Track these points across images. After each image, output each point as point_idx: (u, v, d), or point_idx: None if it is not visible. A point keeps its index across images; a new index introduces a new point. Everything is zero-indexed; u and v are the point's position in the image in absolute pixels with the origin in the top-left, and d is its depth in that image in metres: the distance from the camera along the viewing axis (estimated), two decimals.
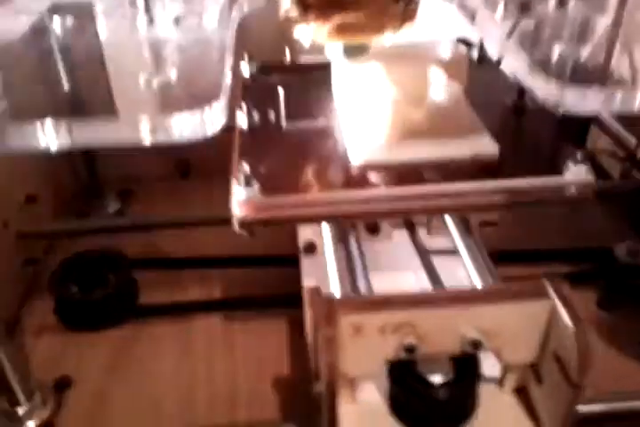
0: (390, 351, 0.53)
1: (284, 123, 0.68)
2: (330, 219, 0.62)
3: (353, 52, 0.64)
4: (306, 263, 0.71)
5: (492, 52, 0.57)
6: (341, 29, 0.59)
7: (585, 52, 0.49)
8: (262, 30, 0.83)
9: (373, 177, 0.59)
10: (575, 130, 1.08)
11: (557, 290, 0.54)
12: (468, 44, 0.80)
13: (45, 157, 0.88)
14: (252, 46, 0.72)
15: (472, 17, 0.67)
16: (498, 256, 0.84)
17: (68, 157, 1.00)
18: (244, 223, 0.55)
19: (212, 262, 0.86)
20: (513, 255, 0.87)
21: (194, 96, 0.50)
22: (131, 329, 0.77)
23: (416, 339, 0.53)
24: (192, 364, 0.72)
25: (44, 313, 0.79)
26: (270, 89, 0.69)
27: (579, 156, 0.57)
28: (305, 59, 0.75)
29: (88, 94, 0.53)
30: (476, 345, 0.53)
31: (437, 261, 0.70)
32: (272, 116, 0.68)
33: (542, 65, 0.50)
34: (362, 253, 0.69)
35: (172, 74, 0.51)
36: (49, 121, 0.42)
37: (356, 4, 0.57)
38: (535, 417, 0.58)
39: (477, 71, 0.75)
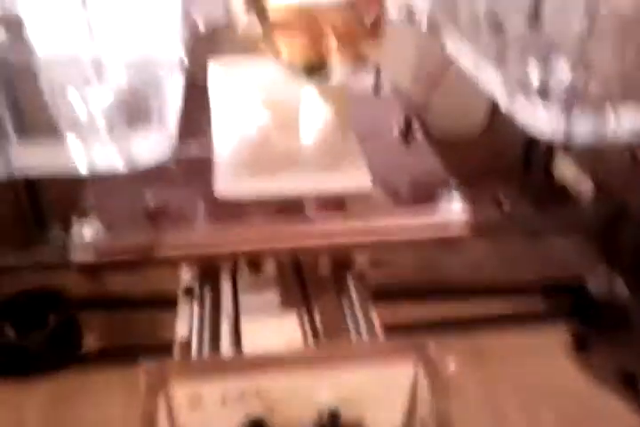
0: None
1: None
2: (185, 260, 0.54)
3: (313, 72, 0.59)
4: (181, 311, 0.62)
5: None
6: (305, 50, 0.54)
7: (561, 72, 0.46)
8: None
9: (240, 212, 0.52)
10: (538, 157, 1.06)
11: (421, 351, 0.48)
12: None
13: None
14: None
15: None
16: (459, 290, 0.81)
17: (9, 182, 0.93)
18: (84, 267, 0.49)
19: (162, 303, 0.80)
20: (478, 289, 0.84)
21: (143, 117, 0.44)
22: (72, 377, 0.70)
23: (265, 410, 0.46)
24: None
25: None
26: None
27: (453, 192, 0.53)
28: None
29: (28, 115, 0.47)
30: (335, 416, 0.47)
31: (316, 304, 0.62)
32: None
33: (519, 85, 0.46)
34: (236, 297, 0.61)
35: (121, 94, 0.46)
36: None
37: (322, 24, 0.53)
38: None
39: (371, 99, 0.71)
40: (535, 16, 0.53)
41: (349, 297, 0.60)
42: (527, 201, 0.93)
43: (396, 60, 0.76)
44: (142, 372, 0.46)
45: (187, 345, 0.51)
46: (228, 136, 0.59)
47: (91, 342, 0.75)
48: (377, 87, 0.73)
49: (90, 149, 0.40)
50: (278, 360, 0.48)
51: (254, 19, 0.54)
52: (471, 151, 0.77)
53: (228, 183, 0.54)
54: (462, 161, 0.63)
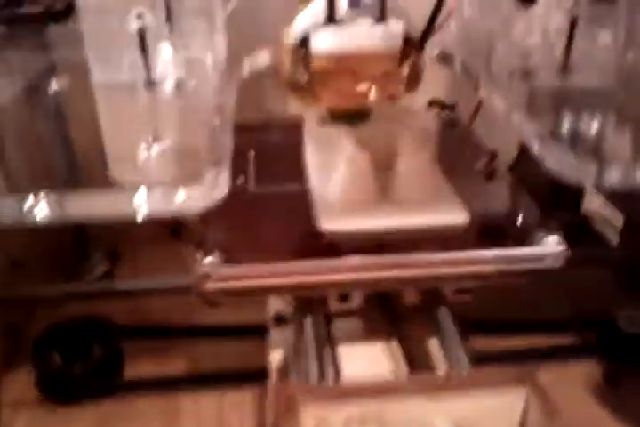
0: None
1: (252, 186, 0.65)
2: (296, 290, 0.58)
3: (354, 117, 0.62)
4: (274, 337, 0.66)
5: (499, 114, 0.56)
6: (346, 95, 0.57)
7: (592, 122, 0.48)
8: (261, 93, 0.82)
9: (343, 245, 0.56)
10: (567, 193, 1.07)
11: (532, 378, 0.50)
12: (441, 105, 0.80)
13: None
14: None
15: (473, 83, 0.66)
16: (483, 327, 0.82)
17: None
18: (204, 294, 0.53)
19: (202, 332, 0.82)
20: (503, 326, 0.84)
21: (194, 165, 0.47)
22: (114, 404, 0.72)
23: None
24: None
25: (24, 385, 0.74)
26: (240, 151, 0.67)
27: (549, 225, 0.56)
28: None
29: (83, 162, 0.51)
30: None
31: (410, 334, 0.65)
32: (241, 179, 0.66)
33: (552, 134, 0.48)
34: (331, 326, 0.64)
35: (171, 141, 0.49)
36: (41, 195, 0.40)
37: (362, 69, 0.56)
38: None
39: (449, 134, 0.74)
40: (565, 66, 0.56)
41: (439, 326, 0.62)
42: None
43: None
44: (272, 392, 0.48)
45: (284, 371, 0.54)
46: (323, 172, 0.63)
47: (133, 370, 0.77)
48: (453, 121, 0.77)
49: (144, 195, 0.42)
50: (396, 387, 0.51)
51: (299, 68, 0.57)
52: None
53: (330, 218, 0.58)
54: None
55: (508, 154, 1.08)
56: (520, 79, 0.58)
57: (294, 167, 0.67)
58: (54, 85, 0.61)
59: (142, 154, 0.47)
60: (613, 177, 0.43)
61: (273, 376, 0.60)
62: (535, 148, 0.48)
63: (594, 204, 1.08)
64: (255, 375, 0.69)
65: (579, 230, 1.02)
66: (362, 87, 0.57)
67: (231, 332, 0.82)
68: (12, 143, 0.55)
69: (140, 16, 0.54)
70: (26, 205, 0.41)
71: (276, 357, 0.63)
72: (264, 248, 0.56)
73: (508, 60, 0.58)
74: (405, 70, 0.57)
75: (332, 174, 0.61)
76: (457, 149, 0.72)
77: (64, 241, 0.98)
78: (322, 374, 0.56)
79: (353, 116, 0.62)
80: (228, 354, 0.79)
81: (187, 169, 0.46)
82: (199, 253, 0.53)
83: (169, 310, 0.85)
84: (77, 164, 0.53)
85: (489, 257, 0.55)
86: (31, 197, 0.41)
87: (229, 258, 0.53)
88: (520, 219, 0.61)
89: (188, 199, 0.43)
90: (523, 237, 0.56)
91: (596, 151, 0.46)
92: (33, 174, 0.51)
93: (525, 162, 1.11)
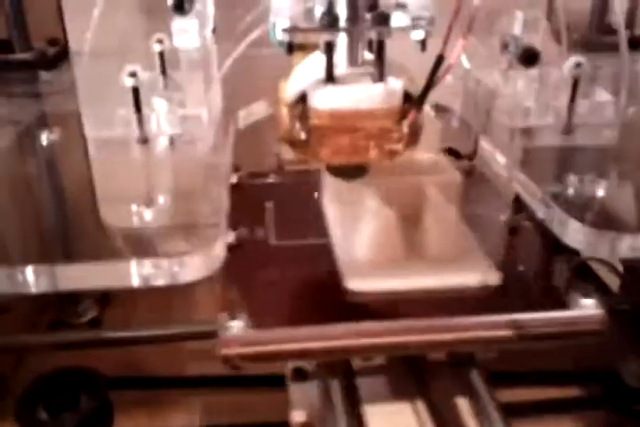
0: None
1: (271, 241, 0.64)
2: (321, 356, 0.56)
3: (352, 172, 0.61)
4: (295, 393, 0.63)
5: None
6: (343, 152, 0.56)
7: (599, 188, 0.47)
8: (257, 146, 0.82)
9: (369, 307, 0.55)
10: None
11: None
12: (456, 154, 0.76)
13: None
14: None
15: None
16: (493, 378, 0.81)
17: None
18: (228, 359, 0.51)
19: (196, 383, 0.80)
20: (509, 377, 0.83)
21: (192, 228, 0.46)
22: None
23: None
24: None
25: None
26: (256, 203, 0.66)
27: (588, 288, 0.54)
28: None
29: (74, 226, 0.49)
30: None
31: (437, 395, 0.63)
32: (259, 234, 0.64)
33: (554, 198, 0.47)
34: (355, 383, 0.62)
35: (168, 202, 0.48)
36: (30, 267, 0.39)
37: (361, 126, 0.55)
38: None
39: (466, 184, 0.69)
40: (568, 125, 0.56)
41: (468, 384, 0.60)
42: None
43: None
44: None
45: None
46: (346, 227, 0.62)
47: (122, 421, 0.75)
48: (470, 170, 0.73)
49: (139, 264, 0.41)
50: None
51: (296, 124, 0.56)
52: None
53: (356, 277, 0.56)
54: None
55: None
56: (521, 137, 0.57)
57: (314, 219, 0.66)
58: (45, 136, 0.60)
59: (134, 218, 0.46)
60: (625, 247, 0.42)
61: None
62: (540, 213, 0.47)
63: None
64: None
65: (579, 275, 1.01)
66: (361, 144, 0.56)
67: (228, 383, 0.80)
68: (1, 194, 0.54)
69: (133, 74, 0.53)
70: (18, 278, 0.39)
71: (298, 415, 0.60)
72: (287, 309, 0.55)
73: (508, 117, 0.57)
74: (405, 127, 0.56)
75: (356, 229, 0.59)
76: (479, 201, 0.69)
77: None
78: None
79: (350, 172, 0.61)
80: (227, 406, 0.77)
81: (180, 237, 0.45)
82: (223, 315, 0.51)
83: (160, 360, 0.83)
84: (68, 230, 0.51)
85: (523, 321, 0.53)
86: (21, 269, 0.39)
87: (254, 321, 0.51)
88: (552, 279, 0.59)
89: (184, 269, 0.42)
90: (557, 299, 0.55)
91: (605, 219, 0.45)
92: (22, 226, 0.50)
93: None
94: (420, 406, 0.62)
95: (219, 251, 0.43)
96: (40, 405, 0.73)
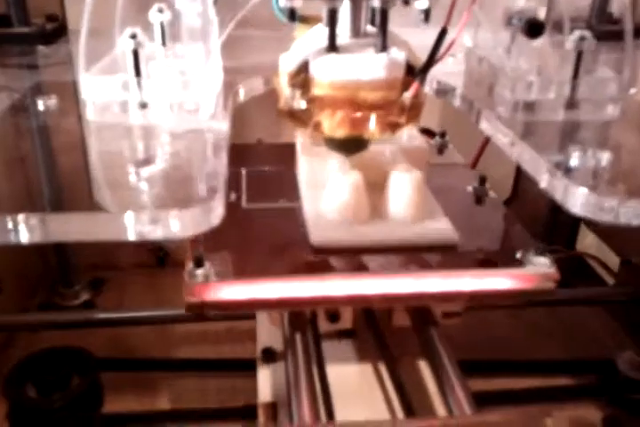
0: None
1: (244, 204, 0.66)
2: (284, 306, 0.57)
3: (352, 146, 0.61)
4: (262, 374, 0.64)
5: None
6: (345, 123, 0.56)
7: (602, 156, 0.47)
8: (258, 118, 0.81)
9: (333, 261, 0.56)
10: (562, 231, 1.06)
11: (540, 421, 0.48)
12: (430, 133, 0.82)
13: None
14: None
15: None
16: (486, 366, 0.80)
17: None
18: (193, 307, 0.52)
19: (186, 365, 0.79)
20: (503, 365, 0.82)
21: (187, 188, 0.45)
22: None
23: None
24: None
25: None
26: (233, 171, 0.69)
27: (539, 247, 0.56)
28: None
29: (68, 183, 0.48)
30: None
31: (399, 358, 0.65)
32: (233, 197, 0.66)
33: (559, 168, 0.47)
34: (322, 359, 0.63)
35: (163, 164, 0.47)
36: (21, 216, 0.38)
37: (362, 98, 0.54)
38: None
39: (438, 160, 0.76)
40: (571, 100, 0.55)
41: (434, 357, 0.60)
42: None
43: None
44: None
45: (272, 408, 0.53)
46: (316, 190, 0.64)
47: (113, 404, 0.74)
48: (442, 147, 0.80)
49: (132, 218, 0.40)
50: None
51: (297, 92, 0.55)
52: None
53: (319, 232, 0.58)
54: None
55: (500, 194, 1.08)
56: (523, 112, 0.57)
57: (288, 185, 0.68)
58: (40, 104, 0.59)
59: (131, 177, 0.45)
60: (631, 213, 0.41)
61: (261, 416, 0.57)
62: (543, 183, 0.47)
63: (588, 242, 1.07)
64: (242, 412, 0.66)
65: (575, 268, 1.01)
66: (362, 116, 0.55)
67: (216, 366, 0.79)
68: None
69: (134, 36, 0.53)
70: (8, 226, 0.38)
71: (264, 395, 0.60)
72: (254, 263, 0.55)
73: (511, 92, 0.57)
74: (407, 100, 0.55)
75: (325, 191, 0.61)
76: (447, 174, 0.74)
77: (45, 267, 0.95)
78: (314, 416, 0.53)
79: (350, 145, 0.60)
80: (213, 389, 0.76)
81: (179, 194, 0.44)
82: (189, 266, 0.52)
83: (151, 342, 0.82)
84: (61, 186, 0.50)
85: (477, 277, 0.55)
86: (13, 218, 0.38)
87: (219, 272, 0.53)
88: (510, 240, 0.62)
89: (180, 224, 0.41)
90: (512, 259, 0.56)
91: (608, 186, 0.44)
92: (15, 194, 0.49)
93: (519, 201, 1.10)
94: (383, 369, 0.64)
95: (217, 207, 0.42)
96: (29, 382, 0.72)
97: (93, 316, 0.82)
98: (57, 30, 0.78)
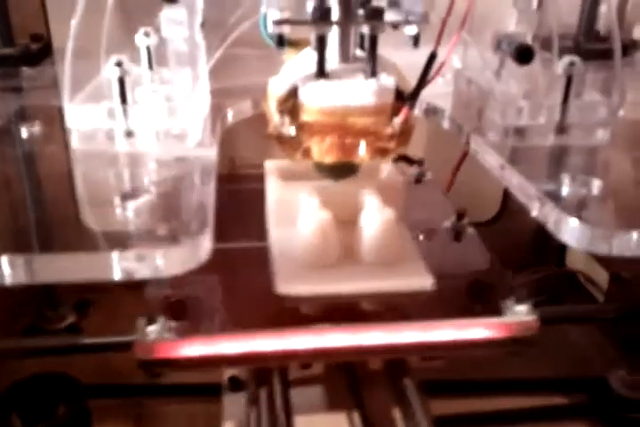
0: None
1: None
2: (248, 362, 0.53)
3: (341, 171, 0.60)
4: (227, 403, 0.62)
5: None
6: (334, 149, 0.55)
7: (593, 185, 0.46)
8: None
9: (302, 310, 0.53)
10: (550, 249, 1.06)
11: None
12: (408, 161, 0.78)
13: None
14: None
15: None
16: (474, 385, 0.79)
17: None
18: (144, 364, 0.49)
19: (175, 391, 0.78)
20: (494, 385, 0.81)
21: (175, 222, 0.44)
22: None
23: None
24: None
25: None
26: None
27: (519, 293, 0.53)
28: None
29: (54, 218, 0.47)
30: None
31: (371, 406, 0.59)
32: None
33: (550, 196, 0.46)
34: (288, 396, 0.59)
35: (151, 195, 0.46)
36: (5, 257, 0.37)
37: (352, 124, 0.54)
38: None
39: (416, 191, 0.72)
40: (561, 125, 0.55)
41: (402, 393, 0.58)
42: (541, 291, 0.93)
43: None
44: None
45: None
46: (285, 233, 0.59)
47: None
48: (420, 177, 0.76)
49: (121, 255, 0.39)
50: None
51: (286, 118, 0.54)
52: (485, 237, 0.77)
53: (287, 281, 0.54)
54: None
55: (488, 210, 1.08)
56: (514, 137, 0.56)
57: (259, 219, 0.64)
58: (24, 131, 0.58)
59: (117, 211, 0.44)
60: (624, 244, 0.41)
61: None
62: (534, 212, 0.46)
63: (578, 256, 1.07)
64: None
65: (565, 285, 1.01)
66: (351, 142, 0.54)
67: (204, 391, 0.77)
68: None
69: (119, 64, 0.52)
70: None
71: (230, 422, 0.59)
72: (215, 315, 0.52)
73: (501, 117, 0.57)
74: (397, 125, 0.55)
75: (294, 231, 0.57)
76: (424, 207, 0.70)
77: (28, 288, 0.94)
78: None
79: (340, 171, 0.59)
80: (201, 414, 0.75)
81: (167, 229, 0.43)
82: (141, 320, 0.49)
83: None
84: (47, 210, 0.49)
85: (454, 327, 0.52)
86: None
87: (177, 326, 0.49)
88: (488, 285, 0.58)
89: (168, 262, 0.40)
90: (491, 307, 0.53)
91: (600, 216, 0.44)
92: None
93: (508, 216, 1.10)
94: (355, 416, 0.59)
95: (205, 243, 0.41)
96: (14, 413, 0.70)
97: (79, 341, 0.80)
98: (42, 50, 0.77)
